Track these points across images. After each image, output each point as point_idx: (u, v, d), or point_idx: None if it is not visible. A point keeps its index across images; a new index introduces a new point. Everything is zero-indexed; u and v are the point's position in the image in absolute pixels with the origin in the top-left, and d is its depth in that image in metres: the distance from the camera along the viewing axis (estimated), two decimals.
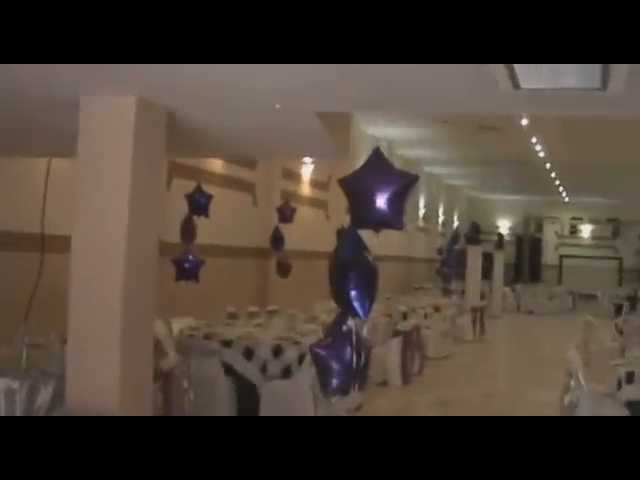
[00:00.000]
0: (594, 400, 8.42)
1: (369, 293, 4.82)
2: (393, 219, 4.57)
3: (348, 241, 4.82)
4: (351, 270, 4.73)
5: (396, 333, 12.93)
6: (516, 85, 4.27)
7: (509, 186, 35.86)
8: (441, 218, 35.47)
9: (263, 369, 9.18)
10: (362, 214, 4.62)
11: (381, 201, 4.49)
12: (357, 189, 4.59)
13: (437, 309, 17.58)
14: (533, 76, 4.12)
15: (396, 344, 12.63)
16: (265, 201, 16.12)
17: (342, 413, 9.55)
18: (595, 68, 3.95)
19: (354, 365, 4.61)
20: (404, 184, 4.57)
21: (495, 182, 35.15)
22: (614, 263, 42.85)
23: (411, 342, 13.14)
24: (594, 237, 43.40)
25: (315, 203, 19.70)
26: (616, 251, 42.94)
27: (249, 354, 9.25)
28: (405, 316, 15.19)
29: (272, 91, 5.45)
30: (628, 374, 8.53)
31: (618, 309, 29.59)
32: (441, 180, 34.93)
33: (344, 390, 4.65)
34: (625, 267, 42.76)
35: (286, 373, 9.19)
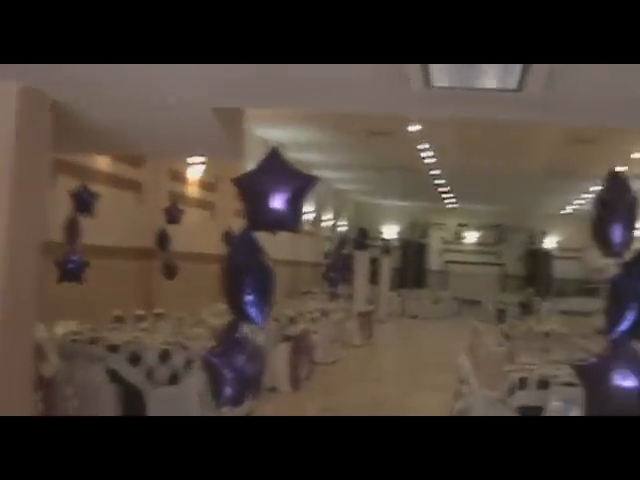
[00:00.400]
0: (486, 406, 8.38)
1: (266, 298, 4.59)
2: (290, 221, 4.36)
3: (243, 244, 4.56)
4: (246, 274, 4.48)
5: (285, 338, 12.72)
6: (428, 83, 4.10)
7: (397, 192, 36.14)
8: (329, 222, 35.40)
9: (150, 375, 8.85)
10: (258, 215, 4.38)
11: (278, 202, 4.27)
12: (253, 189, 4.35)
13: (325, 314, 17.44)
14: (446, 74, 3.96)
15: (285, 349, 12.41)
16: (152, 201, 15.71)
17: None
18: (514, 69, 3.81)
19: (249, 374, 4.37)
20: (302, 185, 4.36)
21: (384, 187, 35.33)
22: (498, 269, 43.55)
23: (300, 347, 12.95)
24: (479, 243, 44.03)
25: (202, 204, 19.35)
26: (500, 257, 43.66)
27: (135, 359, 8.89)
28: (293, 321, 15.01)
29: (165, 85, 5.18)
30: (521, 380, 8.51)
31: (501, 314, 30.10)
32: (330, 184, 34.83)
33: (237, 400, 4.40)
34: (509, 273, 43.51)
35: (173, 379, 8.88)
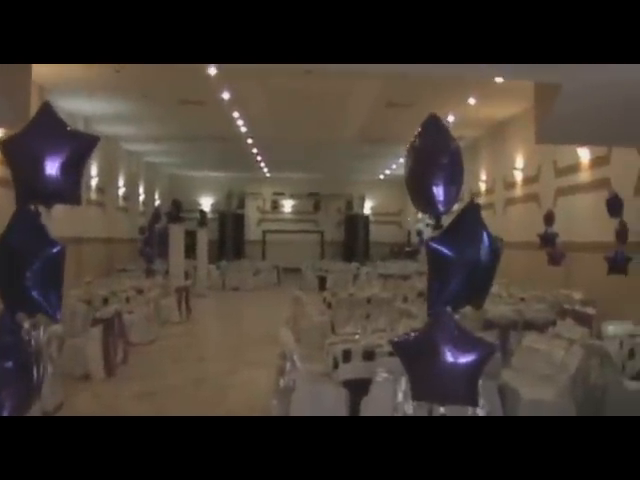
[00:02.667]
0: (311, 382, 7.95)
1: (56, 286, 3.89)
2: (68, 191, 3.65)
3: (19, 224, 3.79)
4: (26, 259, 3.74)
5: (96, 321, 11.88)
6: None
7: (211, 163, 35.67)
8: (142, 197, 34.47)
9: None
10: (29, 185, 3.64)
11: (52, 168, 3.54)
12: (22, 154, 3.61)
13: (140, 291, 16.67)
14: None
15: (96, 333, 11.59)
16: None
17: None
18: None
19: (34, 381, 3.69)
20: (81, 147, 3.66)
21: (197, 159, 34.81)
22: (316, 236, 43.79)
23: (112, 330, 12.14)
24: (296, 212, 44.14)
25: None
26: (317, 225, 43.91)
27: None
28: (106, 301, 14.22)
29: None
30: (345, 352, 8.14)
31: (322, 282, 30.13)
32: (141, 157, 33.96)
33: (21, 410, 3.69)
34: (326, 240, 43.81)
35: None
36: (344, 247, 43.07)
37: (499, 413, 7.37)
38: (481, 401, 7.27)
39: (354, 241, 42.98)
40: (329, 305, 16.07)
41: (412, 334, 4.28)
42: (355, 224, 43.22)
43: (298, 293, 16.68)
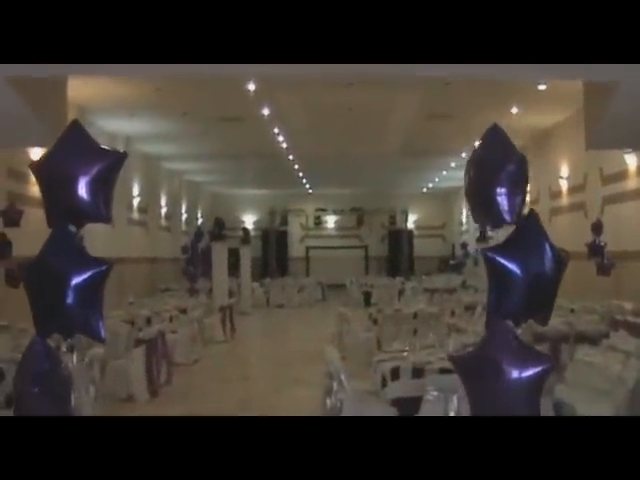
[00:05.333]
0: (359, 401, 7.70)
1: (99, 306, 3.71)
2: (97, 209, 3.48)
3: (57, 244, 3.64)
4: (69, 282, 3.59)
5: (139, 342, 11.71)
6: None
7: (253, 180, 35.56)
8: (184, 216, 34.50)
9: None
10: (59, 204, 3.48)
11: (80, 186, 3.38)
12: (50, 173, 3.46)
13: (183, 311, 16.51)
14: None
15: (139, 354, 11.41)
16: None
17: None
18: None
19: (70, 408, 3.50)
20: (109, 163, 3.49)
21: (239, 176, 34.74)
22: (360, 252, 43.55)
23: (156, 350, 11.95)
24: (339, 227, 43.96)
25: None
26: (361, 240, 43.68)
27: None
28: (149, 321, 14.09)
29: None
30: (393, 370, 7.88)
31: (367, 298, 29.84)
32: (182, 176, 33.99)
33: None
34: (370, 255, 43.54)
35: (10, 402, 7.87)
36: (388, 262, 42.79)
37: None
38: None
39: (398, 255, 42.69)
40: (375, 321, 15.82)
41: (470, 349, 4.03)
42: (399, 238, 42.93)
43: (343, 309, 16.48)
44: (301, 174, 33.93)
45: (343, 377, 7.68)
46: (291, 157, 28.48)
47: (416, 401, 7.36)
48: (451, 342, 8.98)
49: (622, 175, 17.81)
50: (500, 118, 18.74)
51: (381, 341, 15.25)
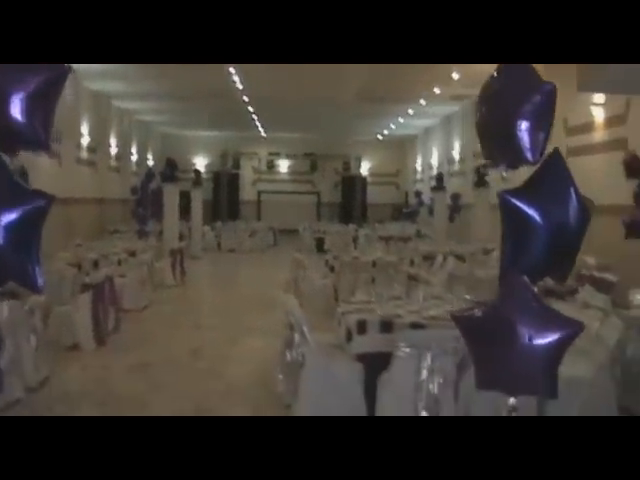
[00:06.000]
0: (322, 355, 7.18)
1: (35, 251, 3.12)
2: (33, 132, 2.85)
3: None
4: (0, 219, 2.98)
5: (85, 287, 11.01)
6: None
7: (206, 122, 34.84)
8: (135, 157, 33.60)
9: None
10: None
11: (14, 104, 2.75)
12: None
13: (133, 254, 15.82)
14: None
15: (85, 300, 10.71)
16: None
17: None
18: None
19: None
20: (48, 78, 2.85)
21: (191, 117, 33.98)
22: (312, 197, 43.04)
23: (103, 295, 11.26)
24: (292, 172, 43.35)
25: None
26: (314, 185, 43.14)
27: None
28: (97, 265, 13.44)
29: None
30: (359, 323, 7.35)
31: (320, 244, 29.38)
32: (133, 116, 33.05)
33: None
34: (323, 201, 43.06)
35: None
36: (341, 208, 42.33)
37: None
38: None
39: (351, 202, 42.28)
40: (332, 268, 15.30)
41: (478, 308, 3.49)
42: (352, 185, 42.48)
43: (298, 255, 15.91)
44: (255, 117, 33.18)
45: (305, 329, 7.15)
46: (246, 98, 27.70)
47: (384, 357, 6.87)
48: (420, 294, 8.45)
49: (588, 127, 17.35)
50: (462, 66, 18.10)
51: (338, 289, 14.78)
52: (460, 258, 15.60)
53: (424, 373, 6.31)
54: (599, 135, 16.88)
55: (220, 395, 8.51)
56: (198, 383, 9.08)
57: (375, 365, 6.94)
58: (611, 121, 16.26)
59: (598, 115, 16.78)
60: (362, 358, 7.09)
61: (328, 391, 6.93)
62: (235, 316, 14.30)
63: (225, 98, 27.03)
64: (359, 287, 14.49)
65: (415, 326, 7.10)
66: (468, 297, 8.19)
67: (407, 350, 6.35)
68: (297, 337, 7.33)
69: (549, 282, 11.37)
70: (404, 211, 39.68)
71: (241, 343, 11.64)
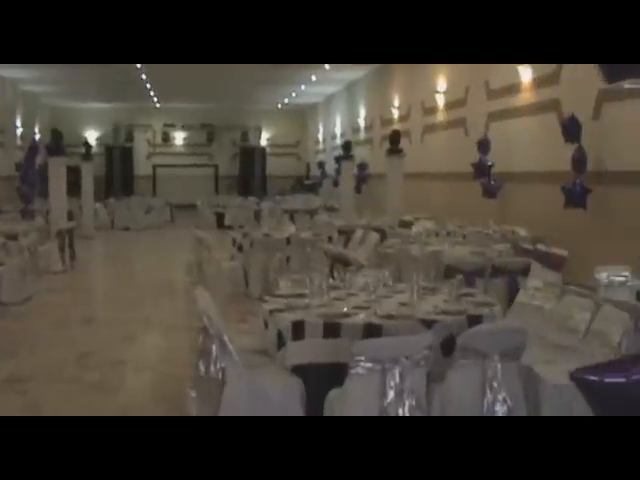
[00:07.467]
0: (247, 369, 5.56)
1: None
2: None
3: None
4: None
5: None
6: None
7: (97, 92, 32.98)
8: (20, 130, 31.17)
9: None
10: None
11: None
12: None
13: (14, 237, 13.79)
14: None
15: None
16: None
17: None
18: None
19: None
20: None
21: (81, 87, 32.10)
22: (210, 170, 41.30)
23: None
24: (188, 144, 41.46)
25: None
26: (211, 158, 41.36)
27: None
28: None
29: None
30: (295, 326, 5.71)
31: (220, 219, 27.72)
32: (17, 86, 30.60)
33: None
34: (221, 174, 41.35)
35: None
36: (240, 181, 40.76)
37: (523, 405, 5.15)
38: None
39: (250, 175, 40.81)
40: (240, 248, 13.62)
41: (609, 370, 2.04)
42: (251, 157, 41.06)
43: (199, 233, 14.13)
44: (148, 85, 31.19)
45: (226, 338, 5.50)
46: (138, 65, 25.69)
47: (331, 369, 5.30)
48: (361, 280, 6.84)
49: (513, 89, 16.00)
50: None
51: (248, 272, 13.15)
52: (379, 231, 14.09)
53: (390, 395, 4.75)
54: (526, 97, 15.57)
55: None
56: (86, 403, 7.12)
57: (319, 380, 5.38)
58: (540, 81, 14.95)
59: (525, 75, 15.46)
60: (300, 371, 5.51)
61: (258, 413, 5.30)
62: (132, 307, 12.40)
63: (116, 67, 25.01)
64: (272, 269, 12.94)
65: (370, 329, 5.51)
66: (423, 283, 6.64)
67: (367, 365, 4.76)
68: (214, 347, 5.66)
69: (497, 258, 9.94)
70: (306, 183, 38.33)
71: (139, 342, 9.82)
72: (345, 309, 5.90)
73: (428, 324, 5.65)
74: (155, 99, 36.05)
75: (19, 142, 30.61)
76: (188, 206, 31.61)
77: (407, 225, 16.25)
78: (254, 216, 26.85)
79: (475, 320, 5.84)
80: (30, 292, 12.79)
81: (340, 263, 10.83)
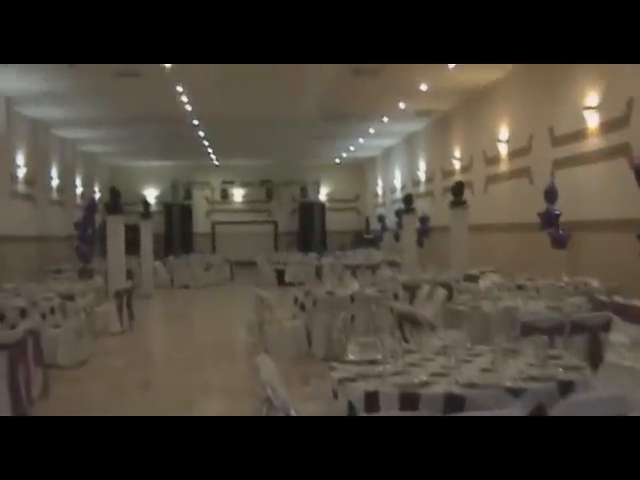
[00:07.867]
0: None
1: None
2: None
3: None
4: None
5: (1, 347, 8.69)
6: None
7: (155, 150, 33.07)
8: (79, 189, 31.26)
9: None
10: None
11: None
12: None
13: (70, 298, 13.45)
14: None
15: (0, 363, 8.43)
16: None
17: None
18: None
19: None
20: None
21: (138, 146, 32.23)
22: (269, 227, 41.07)
23: (24, 356, 8.97)
24: (247, 201, 41.34)
25: None
26: (270, 214, 41.15)
27: None
28: (24, 314, 11.19)
29: None
30: (368, 397, 5.18)
31: (280, 275, 27.33)
32: (77, 146, 30.75)
33: None
34: (280, 230, 41.12)
35: None
36: (299, 237, 40.48)
37: None
38: None
39: (310, 230, 40.50)
40: (302, 306, 13.14)
41: None
42: (310, 212, 40.77)
43: (260, 292, 13.68)
44: (206, 143, 31.17)
45: (293, 412, 4.99)
46: (196, 122, 25.62)
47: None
48: (437, 343, 6.31)
49: (579, 135, 15.44)
50: (432, 74, 16.22)
51: (311, 332, 12.64)
52: (445, 286, 13.52)
53: None
54: (592, 143, 14.99)
55: None
56: None
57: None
58: (608, 126, 14.38)
59: (592, 120, 14.90)
60: None
61: None
62: (191, 370, 11.96)
63: (174, 122, 25.01)
64: (336, 328, 12.44)
65: (452, 399, 4.97)
66: (504, 344, 6.07)
67: None
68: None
69: (568, 310, 9.28)
70: (366, 237, 37.92)
71: (198, 409, 9.32)
72: (424, 377, 5.35)
73: (515, 393, 5.09)
74: (213, 157, 36.08)
75: (79, 201, 30.69)
76: (248, 263, 31.31)
77: (473, 279, 15.63)
78: (315, 272, 26.49)
79: (566, 387, 5.27)
80: (86, 355, 12.42)
81: (407, 322, 10.25)
